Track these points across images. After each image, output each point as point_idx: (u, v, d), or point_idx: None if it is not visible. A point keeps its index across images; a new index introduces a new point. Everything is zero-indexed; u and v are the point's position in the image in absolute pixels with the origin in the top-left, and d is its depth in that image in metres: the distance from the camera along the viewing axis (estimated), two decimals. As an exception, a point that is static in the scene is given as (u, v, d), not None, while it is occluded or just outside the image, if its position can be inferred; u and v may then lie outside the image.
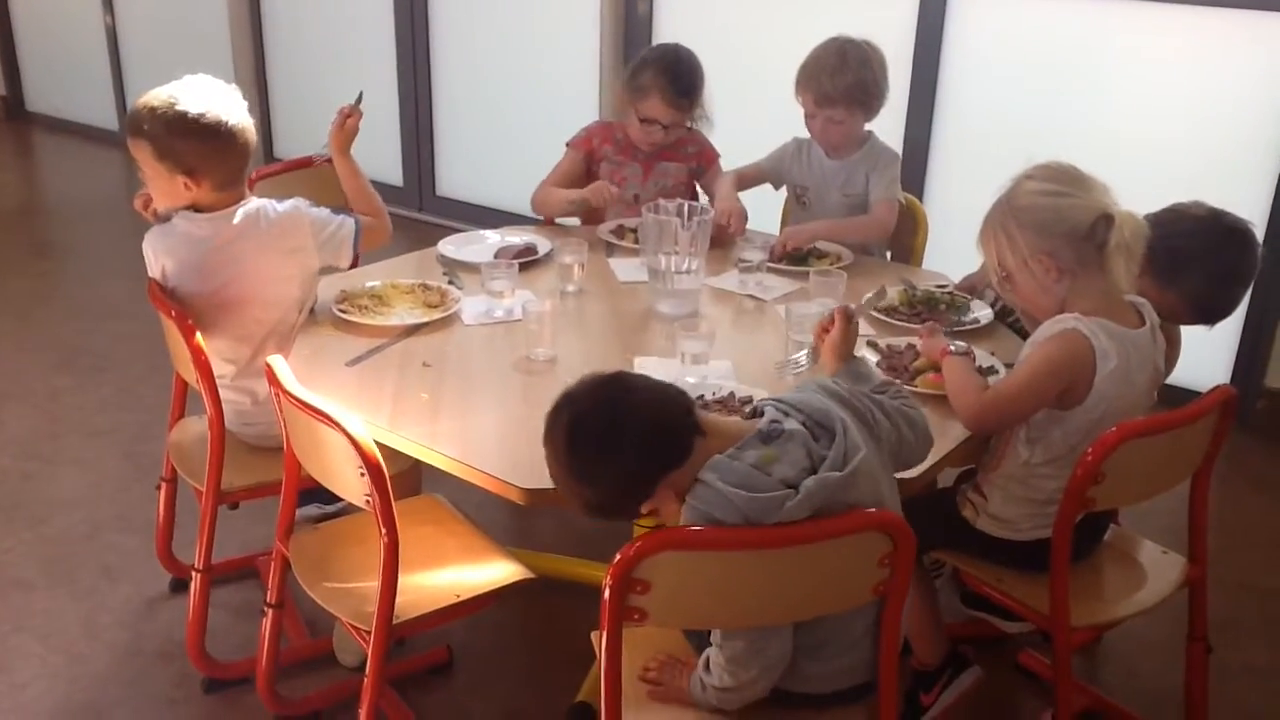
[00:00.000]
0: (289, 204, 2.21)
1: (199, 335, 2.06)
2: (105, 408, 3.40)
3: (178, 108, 2.07)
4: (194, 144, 2.08)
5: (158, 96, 2.09)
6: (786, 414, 1.50)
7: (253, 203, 2.19)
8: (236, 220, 2.15)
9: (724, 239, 2.67)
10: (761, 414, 1.53)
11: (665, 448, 1.46)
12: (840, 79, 2.62)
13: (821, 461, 1.45)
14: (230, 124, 2.11)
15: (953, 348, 1.94)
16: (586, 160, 2.90)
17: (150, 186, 2.17)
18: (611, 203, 2.79)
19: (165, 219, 2.19)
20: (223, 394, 2.14)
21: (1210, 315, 2.09)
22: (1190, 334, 2.17)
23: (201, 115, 2.07)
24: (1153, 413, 1.85)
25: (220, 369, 2.17)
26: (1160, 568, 2.02)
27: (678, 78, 2.75)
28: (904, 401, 1.66)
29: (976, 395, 1.85)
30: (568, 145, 2.93)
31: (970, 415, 1.84)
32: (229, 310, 2.16)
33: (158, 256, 2.16)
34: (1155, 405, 1.95)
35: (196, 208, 2.15)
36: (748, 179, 2.88)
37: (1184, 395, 1.91)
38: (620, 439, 1.45)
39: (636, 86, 2.77)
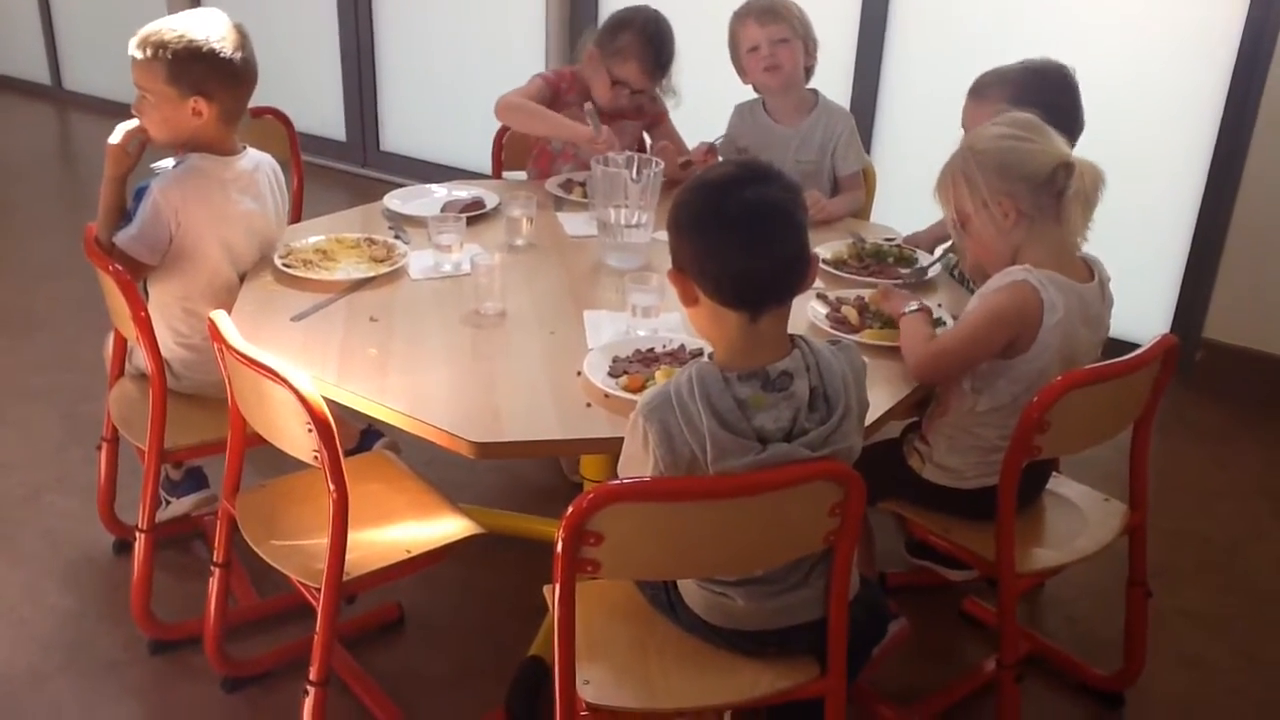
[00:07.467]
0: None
1: (147, 289, 2.10)
2: (42, 368, 3.33)
3: (196, 32, 2.10)
4: (209, 68, 2.11)
5: (172, 22, 2.12)
6: (807, 369, 1.47)
7: (253, 151, 2.25)
8: (250, 166, 2.24)
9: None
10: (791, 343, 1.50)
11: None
12: (777, 1, 2.66)
13: (802, 434, 1.45)
14: (244, 54, 2.16)
15: (906, 309, 1.97)
16: (553, 98, 2.82)
17: (150, 117, 2.15)
18: (602, 150, 2.58)
19: (173, 160, 2.17)
20: (185, 352, 2.20)
21: None
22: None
23: (221, 39, 2.13)
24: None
25: (190, 324, 2.19)
26: (1102, 515, 2.06)
27: (660, 47, 2.74)
28: None
29: (923, 347, 1.87)
30: (538, 76, 2.83)
31: (916, 365, 1.87)
32: (236, 253, 2.21)
33: (173, 198, 2.12)
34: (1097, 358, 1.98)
35: (199, 145, 2.16)
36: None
37: (1124, 347, 1.93)
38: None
39: (615, 49, 2.72)
